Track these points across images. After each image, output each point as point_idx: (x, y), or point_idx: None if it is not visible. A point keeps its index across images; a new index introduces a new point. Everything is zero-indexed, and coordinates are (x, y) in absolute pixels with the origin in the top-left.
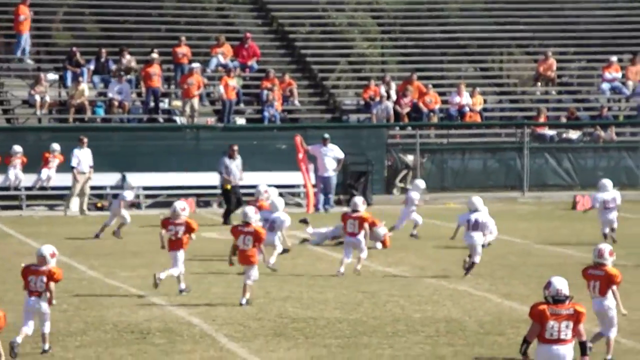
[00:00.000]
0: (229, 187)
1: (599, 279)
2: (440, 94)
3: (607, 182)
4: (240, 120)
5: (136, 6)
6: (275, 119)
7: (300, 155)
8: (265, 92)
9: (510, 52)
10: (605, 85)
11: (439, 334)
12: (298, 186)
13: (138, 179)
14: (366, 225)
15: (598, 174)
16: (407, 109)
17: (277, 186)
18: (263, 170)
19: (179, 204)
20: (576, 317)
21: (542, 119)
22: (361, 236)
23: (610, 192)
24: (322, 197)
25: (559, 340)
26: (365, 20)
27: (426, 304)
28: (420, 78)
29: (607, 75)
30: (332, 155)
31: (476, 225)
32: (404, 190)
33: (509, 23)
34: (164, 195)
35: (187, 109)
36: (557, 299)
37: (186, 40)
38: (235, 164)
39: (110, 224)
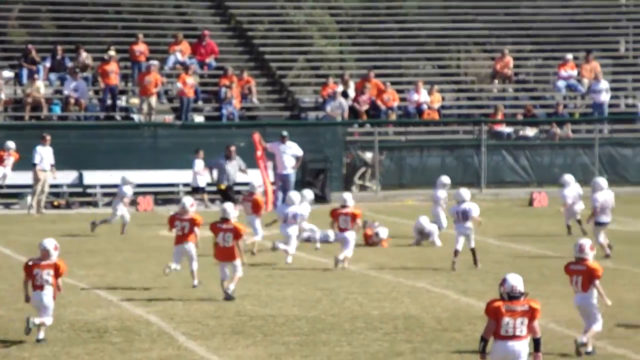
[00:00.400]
0: (222, 187)
1: (581, 273)
2: (399, 91)
3: (569, 178)
4: (199, 118)
5: (93, 3)
6: (234, 117)
7: (259, 153)
8: (223, 89)
9: (468, 50)
10: (561, 83)
11: (397, 331)
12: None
13: (95, 177)
14: (358, 220)
15: (554, 170)
16: (365, 107)
17: (236, 184)
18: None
19: (187, 200)
20: (531, 314)
21: (499, 116)
22: (353, 231)
23: (573, 186)
24: (280, 195)
25: (514, 337)
26: (324, 17)
27: (384, 300)
28: (378, 76)
29: (563, 72)
30: (290, 152)
31: (465, 215)
32: (363, 188)
33: (466, 21)
34: None
35: (145, 106)
36: (512, 296)
37: (144, 37)
38: (231, 165)
39: (112, 221)
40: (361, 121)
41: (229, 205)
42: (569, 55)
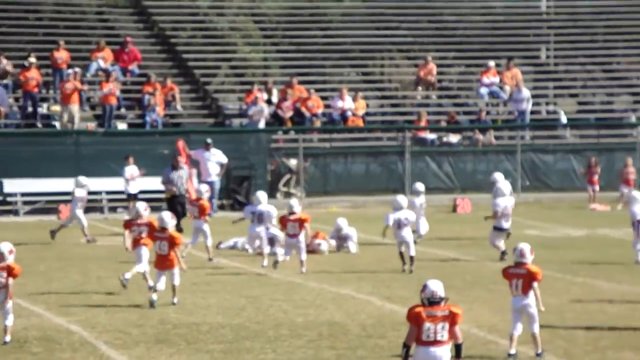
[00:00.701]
0: (169, 196)
1: (521, 277)
2: (323, 98)
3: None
4: (122, 125)
5: (13, 9)
6: (157, 124)
7: (183, 160)
8: (146, 96)
9: (392, 57)
10: (484, 90)
11: (322, 338)
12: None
13: (15, 186)
14: (306, 225)
15: (477, 177)
16: (289, 113)
17: (160, 191)
18: (146, 176)
19: (141, 205)
20: (452, 319)
21: (422, 123)
22: (302, 237)
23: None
24: None
25: (435, 342)
26: (247, 24)
27: (309, 307)
28: (302, 82)
29: (485, 80)
30: (215, 160)
31: (405, 222)
32: (288, 195)
33: (390, 28)
34: (42, 202)
35: (66, 114)
36: (433, 301)
37: (65, 44)
38: (178, 174)
39: (69, 225)
40: (285, 128)
41: (166, 214)
42: (491, 63)
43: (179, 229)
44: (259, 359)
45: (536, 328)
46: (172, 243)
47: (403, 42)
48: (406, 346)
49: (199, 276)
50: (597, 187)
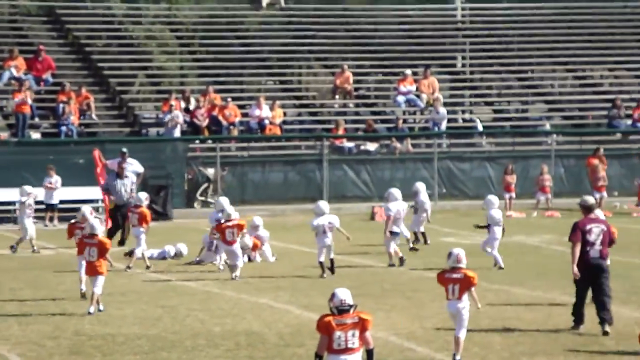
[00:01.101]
0: (112, 206)
1: (457, 282)
2: (240, 107)
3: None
4: (36, 135)
5: None
6: (72, 133)
7: (99, 170)
8: (61, 105)
9: (309, 66)
10: (401, 98)
11: (239, 347)
12: (97, 201)
13: None
14: (245, 231)
15: (395, 185)
16: (205, 122)
17: (76, 201)
18: (61, 186)
19: (86, 209)
20: (362, 325)
21: (340, 131)
22: (238, 244)
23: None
24: None
25: (347, 350)
26: (163, 33)
27: (227, 317)
28: (220, 91)
29: (402, 88)
30: (131, 169)
31: (329, 227)
32: (205, 204)
33: (307, 37)
34: None
35: None
36: (342, 309)
37: None
38: (122, 183)
39: (26, 237)
40: (203, 137)
41: (95, 221)
42: (408, 71)
43: (121, 241)
44: None
45: (462, 333)
46: (102, 249)
47: (320, 50)
48: (318, 356)
49: (114, 286)
50: (513, 195)
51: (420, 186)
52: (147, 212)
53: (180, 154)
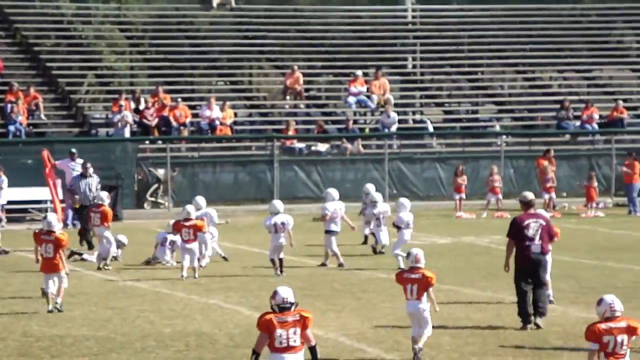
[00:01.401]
0: (77, 206)
1: (416, 282)
2: (191, 107)
3: (334, 192)
4: None
5: None
6: (21, 133)
7: (47, 170)
8: (9, 105)
9: (260, 66)
10: (352, 99)
11: (189, 348)
12: (45, 201)
13: None
14: (204, 230)
15: (346, 185)
16: (155, 122)
17: (24, 202)
18: (9, 186)
19: (52, 216)
20: (303, 323)
21: (291, 132)
22: (196, 243)
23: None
24: (70, 213)
25: (288, 348)
26: (113, 33)
27: (177, 318)
28: (170, 91)
29: (353, 89)
30: (80, 170)
31: (282, 226)
32: (155, 204)
33: (258, 37)
34: None
35: None
36: (283, 307)
37: None
38: (86, 182)
39: None
40: (153, 137)
41: (52, 216)
42: (359, 72)
43: (89, 244)
44: None
45: (428, 331)
46: (58, 245)
47: (271, 50)
48: (256, 353)
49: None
50: (463, 195)
51: (370, 187)
52: (109, 211)
53: (130, 154)
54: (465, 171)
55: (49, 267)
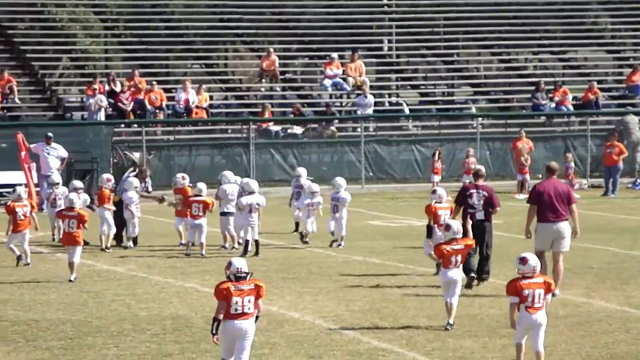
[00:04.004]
0: (116, 199)
1: (460, 252)
2: (166, 90)
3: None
4: None
5: None
6: None
7: (23, 154)
8: None
9: (236, 49)
10: (327, 82)
11: (166, 332)
12: (20, 185)
13: None
14: (212, 208)
15: (322, 168)
16: (130, 106)
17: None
18: None
19: (21, 188)
20: (257, 292)
21: (267, 115)
22: (205, 219)
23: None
24: (44, 198)
25: (242, 314)
26: (88, 16)
27: (153, 301)
28: (145, 75)
29: (329, 71)
30: (55, 154)
31: (257, 207)
32: None
33: (233, 20)
34: None
35: None
36: (239, 276)
37: None
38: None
39: None
40: (128, 121)
41: (74, 195)
42: (335, 55)
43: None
44: (101, 355)
45: (455, 300)
46: (80, 220)
47: (247, 33)
48: (216, 320)
49: (38, 272)
50: (439, 177)
51: (302, 171)
52: (108, 193)
53: (105, 138)
54: (441, 154)
55: (71, 240)
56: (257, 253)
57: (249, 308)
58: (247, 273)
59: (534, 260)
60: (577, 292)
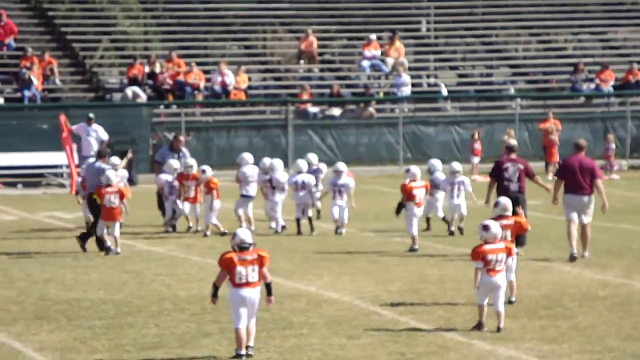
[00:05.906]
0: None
1: (509, 227)
2: (205, 72)
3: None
4: None
5: None
6: (36, 99)
7: (65, 135)
8: (24, 70)
9: (274, 30)
10: (366, 63)
11: (205, 312)
12: (61, 166)
13: None
14: (214, 192)
15: (360, 149)
16: (168, 87)
17: (40, 167)
18: (24, 151)
19: (110, 172)
20: (260, 261)
21: (305, 96)
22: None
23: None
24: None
25: (247, 284)
26: None
27: (192, 282)
28: (184, 56)
29: (367, 53)
30: (95, 136)
31: (304, 185)
32: None
33: (272, 1)
34: None
35: None
36: (242, 247)
37: None
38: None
39: None
40: (167, 102)
41: (111, 173)
42: (373, 36)
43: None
44: (142, 334)
45: (512, 276)
46: (122, 195)
47: (285, 15)
48: (215, 287)
49: (79, 251)
50: (478, 159)
51: (437, 163)
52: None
53: (144, 119)
54: (480, 135)
55: (111, 215)
56: (312, 229)
57: (253, 277)
58: (251, 244)
59: (495, 228)
60: (616, 274)
